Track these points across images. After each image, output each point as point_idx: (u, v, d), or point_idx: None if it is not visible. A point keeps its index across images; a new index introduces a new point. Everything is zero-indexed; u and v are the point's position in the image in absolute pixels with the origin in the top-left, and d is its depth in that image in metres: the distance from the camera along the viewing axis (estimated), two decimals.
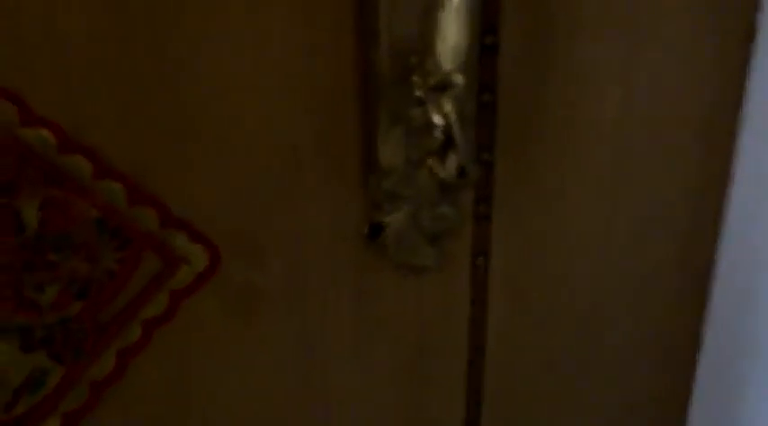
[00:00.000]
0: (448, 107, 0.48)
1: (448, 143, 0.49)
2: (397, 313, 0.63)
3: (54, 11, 0.46)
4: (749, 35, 0.60)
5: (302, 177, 0.56)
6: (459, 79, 0.48)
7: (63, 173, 0.49)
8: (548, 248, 0.64)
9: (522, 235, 0.63)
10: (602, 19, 0.58)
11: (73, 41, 0.47)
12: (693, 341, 0.71)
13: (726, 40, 0.61)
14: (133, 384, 0.57)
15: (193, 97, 0.51)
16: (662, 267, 0.68)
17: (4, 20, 0.46)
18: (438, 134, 0.48)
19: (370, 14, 0.52)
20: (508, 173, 0.61)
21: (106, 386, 0.56)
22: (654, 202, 0.65)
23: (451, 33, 0.49)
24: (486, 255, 0.63)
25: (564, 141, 0.61)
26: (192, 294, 0.55)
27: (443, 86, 0.48)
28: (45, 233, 0.50)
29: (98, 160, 0.49)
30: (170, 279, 0.54)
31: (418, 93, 0.53)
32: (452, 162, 0.50)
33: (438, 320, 0.64)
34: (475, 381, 0.67)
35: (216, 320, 0.58)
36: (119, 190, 0.51)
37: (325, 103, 0.54)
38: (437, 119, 0.48)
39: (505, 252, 0.63)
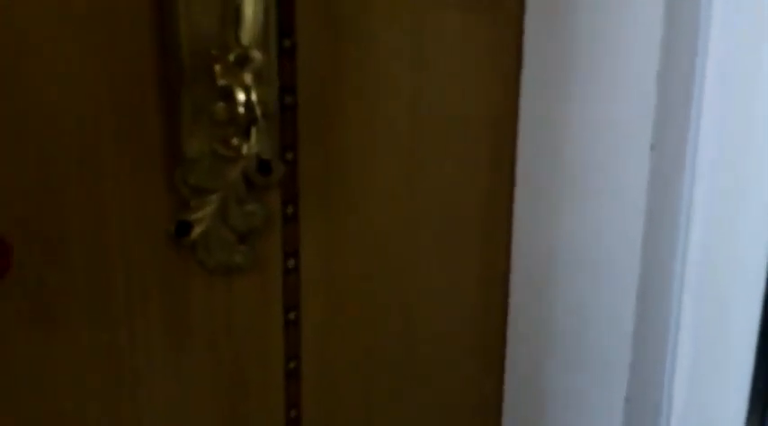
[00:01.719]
0: (248, 80, 0.50)
1: (249, 119, 0.51)
2: (208, 317, 0.61)
3: None
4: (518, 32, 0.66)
5: (104, 172, 0.55)
6: (257, 54, 0.50)
7: None
8: (356, 247, 0.66)
9: (331, 234, 0.65)
10: (390, 12, 0.62)
11: None
12: (500, 339, 0.74)
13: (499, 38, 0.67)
14: None
15: None
16: (463, 262, 0.71)
17: None
18: (241, 110, 0.50)
19: (169, 6, 0.53)
20: (313, 172, 0.63)
21: None
22: (450, 202, 0.69)
23: (249, 15, 0.51)
24: (297, 256, 0.64)
25: (364, 139, 0.64)
26: None
27: (243, 60, 0.50)
28: None
29: None
30: None
31: (221, 82, 0.54)
32: (256, 139, 0.51)
33: (252, 324, 0.63)
34: (293, 387, 0.66)
35: (9, 326, 0.54)
36: None
37: (125, 96, 0.54)
38: (239, 95, 0.50)
39: (316, 252, 0.64)
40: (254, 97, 0.51)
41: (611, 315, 0.68)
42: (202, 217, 0.59)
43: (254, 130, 0.51)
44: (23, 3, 0.49)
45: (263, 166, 0.60)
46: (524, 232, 0.72)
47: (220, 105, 0.56)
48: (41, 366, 0.56)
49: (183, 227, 0.58)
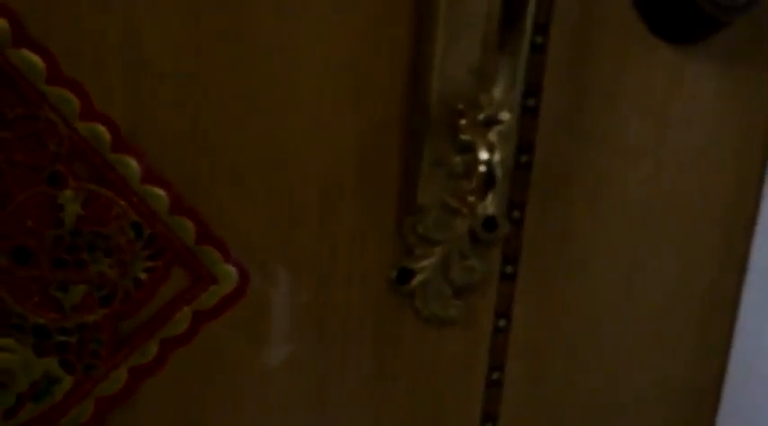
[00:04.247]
0: (493, 138, 0.49)
1: (489, 181, 0.50)
2: (414, 365, 0.61)
3: (135, 12, 0.48)
4: None
5: (341, 212, 0.56)
6: (506, 116, 0.50)
7: (111, 172, 0.49)
8: (567, 317, 0.64)
9: (544, 299, 0.63)
10: (638, 95, 0.61)
11: (148, 46, 0.49)
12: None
13: (747, 132, 0.64)
14: (142, 405, 0.55)
15: (253, 122, 0.52)
16: (677, 355, 0.68)
17: (87, 16, 0.47)
18: (482, 168, 0.49)
19: (423, 56, 0.54)
20: (537, 235, 0.61)
21: (114, 405, 0.54)
22: (673, 286, 0.66)
23: (504, 76, 0.51)
24: (509, 317, 0.63)
25: (593, 208, 0.62)
26: (215, 317, 0.54)
27: (492, 121, 0.50)
28: (82, 230, 0.50)
29: (147, 164, 0.50)
30: (196, 298, 0.54)
31: (464, 136, 0.54)
32: (491, 200, 0.51)
33: (454, 378, 0.63)
34: None
35: (234, 348, 0.56)
36: (162, 198, 0.51)
37: (371, 140, 0.55)
38: (482, 154, 0.49)
39: (527, 315, 0.63)
40: (497, 157, 0.51)
41: None
42: (425, 266, 0.59)
43: (491, 192, 0.50)
44: (298, 47, 0.52)
45: (489, 223, 0.59)
46: (747, 331, 0.66)
47: (459, 159, 0.56)
48: (255, 383, 0.58)
49: (405, 275, 0.59)
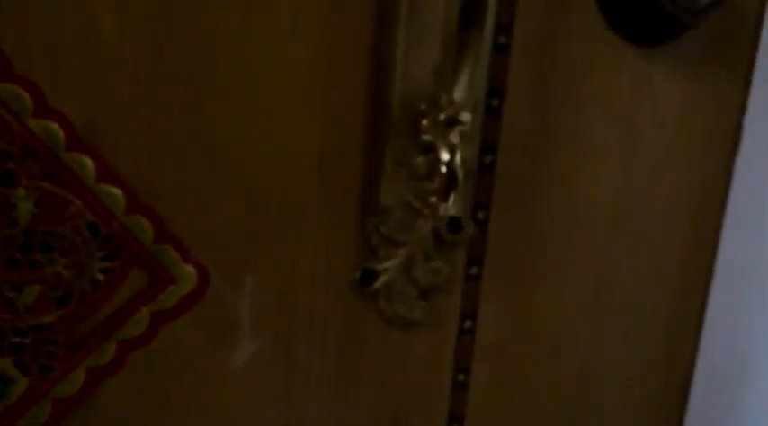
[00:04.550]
0: (455, 139, 0.49)
1: (451, 181, 0.50)
2: (379, 367, 0.61)
3: (90, 5, 0.47)
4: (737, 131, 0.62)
5: (303, 212, 0.56)
6: (467, 116, 0.49)
7: (65, 170, 0.49)
8: (534, 318, 0.64)
9: (511, 300, 0.63)
10: (604, 96, 0.60)
11: (104, 42, 0.48)
12: None
13: (715, 133, 0.63)
14: (101, 407, 0.54)
15: (213, 121, 0.52)
16: (644, 356, 0.68)
17: (40, 10, 0.47)
18: (443, 169, 0.49)
19: (385, 56, 0.54)
20: (502, 236, 0.61)
21: (72, 407, 0.53)
22: (639, 287, 0.66)
23: (466, 77, 0.50)
24: (474, 319, 0.63)
25: (559, 210, 0.62)
26: (174, 318, 0.54)
27: (453, 122, 0.49)
28: (35, 230, 0.49)
29: (103, 163, 0.49)
30: (154, 299, 0.53)
31: (425, 137, 0.54)
32: (454, 201, 0.51)
33: (420, 379, 0.62)
34: None
35: (196, 348, 0.56)
36: (118, 197, 0.50)
37: (333, 140, 0.55)
38: (443, 154, 0.49)
39: (493, 316, 0.63)
40: (458, 158, 0.51)
41: None
42: (388, 267, 0.58)
43: (453, 192, 0.50)
44: (259, 47, 0.51)
45: (454, 224, 0.59)
46: (714, 332, 0.66)
47: (421, 159, 0.56)
48: (218, 384, 0.58)
49: (368, 276, 0.58)
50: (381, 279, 0.59)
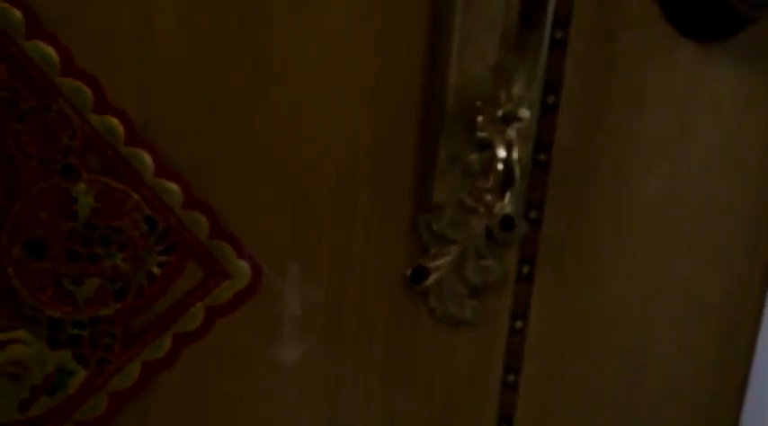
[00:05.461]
0: (512, 136, 0.48)
1: (507, 179, 0.49)
2: (428, 365, 0.61)
3: (147, 4, 0.48)
4: None
5: (356, 209, 0.56)
6: (525, 113, 0.49)
7: (124, 165, 0.49)
8: (584, 318, 0.63)
9: (561, 301, 0.62)
10: (659, 93, 0.59)
11: (162, 39, 0.49)
12: None
13: None
14: (155, 399, 0.55)
15: (268, 118, 0.52)
16: (696, 360, 0.66)
17: (101, 7, 0.47)
18: (500, 166, 0.48)
19: (441, 52, 0.53)
20: (555, 235, 0.60)
21: (127, 399, 0.54)
22: (692, 289, 0.64)
23: (524, 72, 0.50)
24: (525, 318, 0.62)
25: (612, 210, 0.61)
26: (228, 312, 0.54)
27: (510, 118, 0.49)
28: (96, 224, 0.50)
29: (161, 158, 0.50)
30: (209, 294, 0.53)
31: (481, 133, 0.54)
32: (509, 199, 0.50)
33: (469, 379, 0.62)
34: None
35: (249, 343, 0.56)
36: (175, 192, 0.51)
37: (387, 137, 0.55)
38: (500, 152, 0.49)
39: (544, 316, 0.62)
40: (515, 155, 0.50)
41: None
42: (440, 265, 0.58)
43: (509, 190, 0.49)
44: (314, 46, 0.51)
45: (507, 223, 0.59)
46: None
47: (475, 156, 0.55)
48: (268, 378, 0.58)
49: (420, 273, 0.58)
50: (433, 277, 0.58)
